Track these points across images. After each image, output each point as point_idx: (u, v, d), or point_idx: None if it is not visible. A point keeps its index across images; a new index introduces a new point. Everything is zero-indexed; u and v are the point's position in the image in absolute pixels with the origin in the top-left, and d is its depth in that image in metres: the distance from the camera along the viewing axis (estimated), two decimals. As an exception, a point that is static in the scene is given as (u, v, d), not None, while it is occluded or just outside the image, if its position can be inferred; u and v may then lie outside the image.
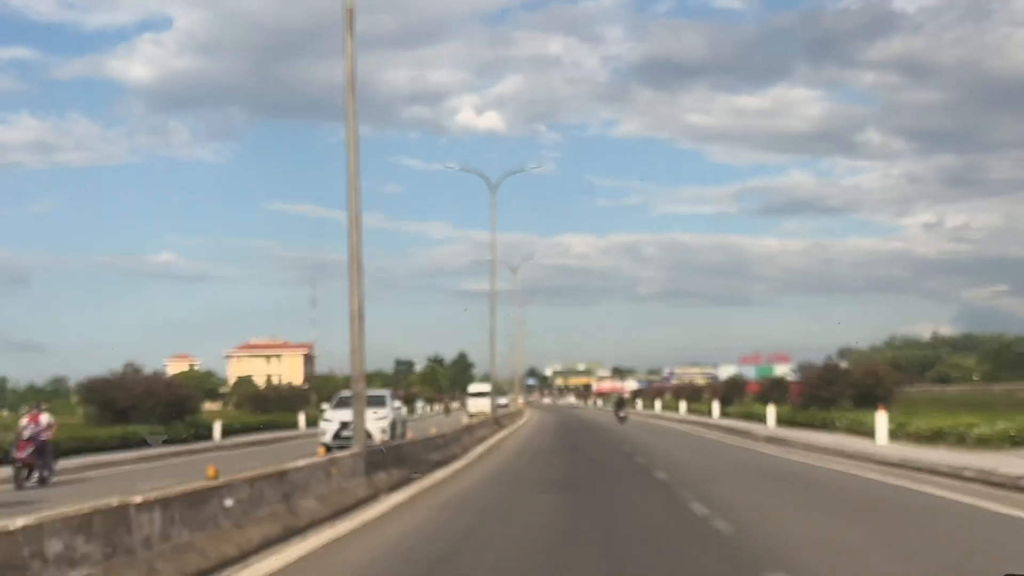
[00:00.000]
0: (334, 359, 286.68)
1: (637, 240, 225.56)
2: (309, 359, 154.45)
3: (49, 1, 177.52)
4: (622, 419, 49.10)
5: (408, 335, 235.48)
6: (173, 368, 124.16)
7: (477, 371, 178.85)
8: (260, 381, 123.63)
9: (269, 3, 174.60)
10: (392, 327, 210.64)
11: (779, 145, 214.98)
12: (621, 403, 54.04)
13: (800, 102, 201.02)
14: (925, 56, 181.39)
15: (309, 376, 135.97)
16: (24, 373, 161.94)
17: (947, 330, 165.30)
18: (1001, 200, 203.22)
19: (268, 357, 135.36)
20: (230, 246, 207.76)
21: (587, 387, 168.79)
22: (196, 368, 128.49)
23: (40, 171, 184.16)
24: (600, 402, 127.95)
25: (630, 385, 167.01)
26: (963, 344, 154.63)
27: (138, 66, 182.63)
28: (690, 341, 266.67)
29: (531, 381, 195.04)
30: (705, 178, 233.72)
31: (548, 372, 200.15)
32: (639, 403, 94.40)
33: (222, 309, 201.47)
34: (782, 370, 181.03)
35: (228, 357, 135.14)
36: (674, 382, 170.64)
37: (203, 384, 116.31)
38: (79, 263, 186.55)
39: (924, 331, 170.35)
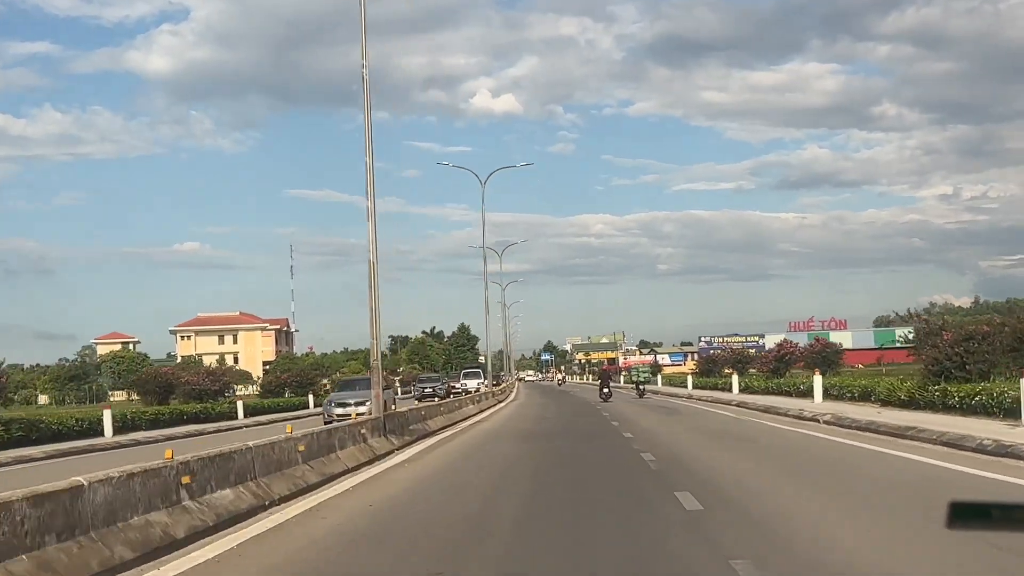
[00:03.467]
0: (315, 336, 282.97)
1: (655, 218, 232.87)
2: (286, 336, 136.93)
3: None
4: (605, 396, 43.62)
5: (424, 314, 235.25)
6: (103, 350, 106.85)
7: (482, 345, 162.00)
8: (210, 361, 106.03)
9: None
10: (409, 307, 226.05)
11: (795, 120, 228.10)
12: (606, 378, 47.51)
13: (815, 76, 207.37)
14: (939, 27, 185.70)
15: (286, 355, 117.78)
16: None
17: (975, 299, 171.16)
18: (1018, 170, 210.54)
19: (221, 335, 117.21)
20: (253, 234, 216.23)
21: (612, 361, 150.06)
22: (132, 348, 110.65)
23: (64, 164, 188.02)
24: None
25: (663, 360, 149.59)
26: (1006, 311, 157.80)
27: (157, 58, 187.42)
28: (713, 316, 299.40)
29: (546, 356, 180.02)
30: (722, 155, 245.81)
31: (567, 347, 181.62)
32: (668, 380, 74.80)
33: (244, 295, 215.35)
34: (840, 338, 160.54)
35: (176, 334, 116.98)
36: (712, 353, 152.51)
37: (133, 368, 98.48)
38: (104, 254, 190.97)
39: (940, 300, 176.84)
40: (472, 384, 60.95)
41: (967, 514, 2.34)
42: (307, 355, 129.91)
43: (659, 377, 68.69)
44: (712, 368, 60.68)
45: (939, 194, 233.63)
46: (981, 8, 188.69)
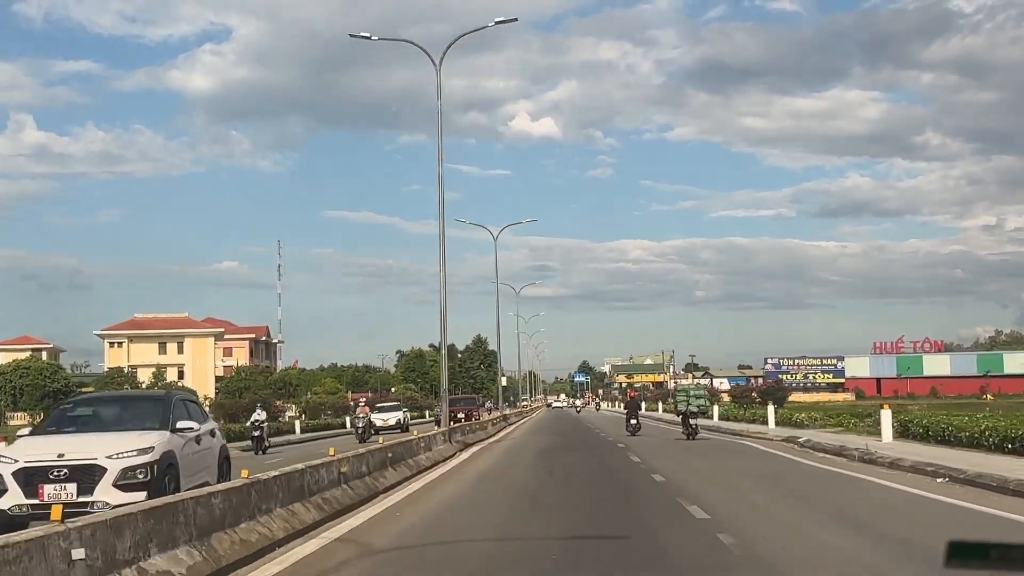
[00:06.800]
0: (330, 353, 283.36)
1: (693, 244, 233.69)
2: (265, 347, 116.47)
3: (110, 15, 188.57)
4: (633, 429, 36.63)
5: (453, 337, 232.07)
6: (5, 358, 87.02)
7: (504, 364, 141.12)
8: (147, 375, 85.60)
9: (325, 13, 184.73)
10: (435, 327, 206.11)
11: (836, 148, 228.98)
12: (634, 407, 39.10)
13: (857, 104, 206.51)
14: (984, 56, 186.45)
15: (241, 368, 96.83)
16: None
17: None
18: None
19: (163, 341, 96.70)
20: (291, 254, 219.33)
21: (658, 385, 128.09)
22: (44, 357, 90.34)
23: (106, 181, 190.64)
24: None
25: (720, 384, 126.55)
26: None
27: (198, 77, 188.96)
28: (750, 344, 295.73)
29: (580, 378, 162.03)
30: (762, 181, 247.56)
31: (606, 368, 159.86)
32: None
33: (276, 316, 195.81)
34: (936, 362, 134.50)
35: (103, 339, 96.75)
36: (781, 377, 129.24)
37: (39, 381, 78.36)
38: (142, 271, 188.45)
39: (986, 332, 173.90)
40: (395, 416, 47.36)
41: (965, 553, 2.32)
42: (288, 370, 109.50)
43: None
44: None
45: (982, 225, 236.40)
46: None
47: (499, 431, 44.11)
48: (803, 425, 34.25)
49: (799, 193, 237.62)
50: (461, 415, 46.18)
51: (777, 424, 35.43)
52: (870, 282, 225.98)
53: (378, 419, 45.09)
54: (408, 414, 49.06)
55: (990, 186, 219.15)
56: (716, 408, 48.11)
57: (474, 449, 28.88)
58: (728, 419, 45.63)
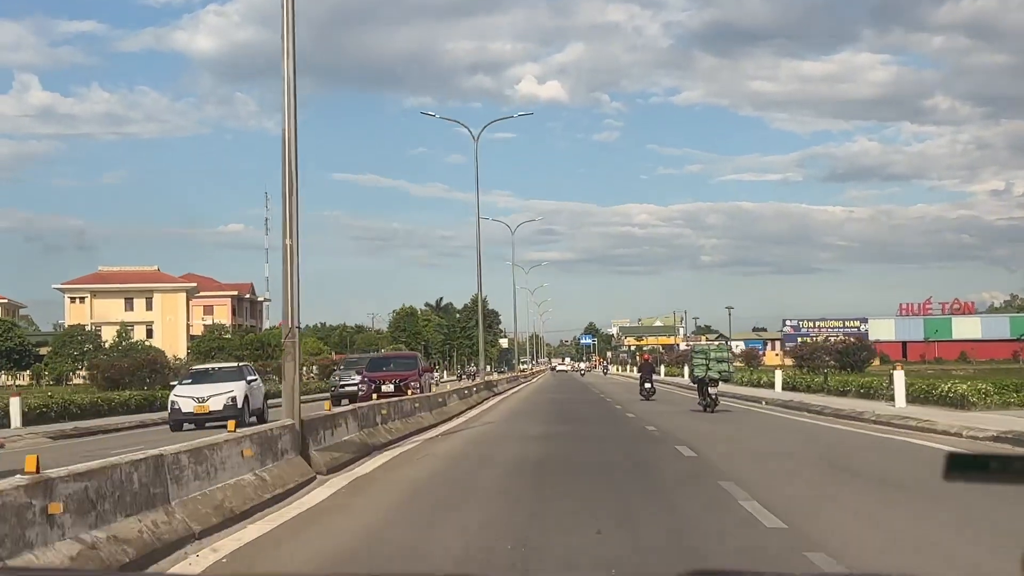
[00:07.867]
0: (305, 313, 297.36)
1: (700, 208, 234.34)
2: (250, 305, 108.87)
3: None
4: (647, 393, 36.37)
5: (453, 298, 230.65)
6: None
7: (506, 324, 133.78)
8: (110, 333, 78.07)
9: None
10: (440, 290, 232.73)
11: (844, 112, 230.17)
12: (647, 371, 38.35)
13: (866, 67, 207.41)
14: (995, 18, 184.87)
15: (214, 327, 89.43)
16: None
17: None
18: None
19: (130, 297, 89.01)
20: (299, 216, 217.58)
21: (670, 348, 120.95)
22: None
23: (111, 142, 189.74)
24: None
25: (739, 346, 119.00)
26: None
27: (203, 38, 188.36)
28: (757, 308, 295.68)
29: (586, 340, 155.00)
30: (768, 146, 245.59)
31: (613, 331, 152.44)
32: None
33: (264, 273, 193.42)
34: (966, 325, 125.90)
35: (64, 294, 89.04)
36: (801, 340, 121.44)
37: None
38: (148, 233, 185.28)
39: (993, 297, 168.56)
40: None
41: (964, 465, 2.30)
42: (272, 329, 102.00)
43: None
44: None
45: (990, 189, 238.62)
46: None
47: (470, 408, 32.37)
48: (965, 403, 22.94)
49: (806, 157, 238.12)
50: (388, 386, 30.64)
51: (908, 401, 23.86)
52: (877, 247, 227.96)
53: (184, 397, 25.36)
54: (263, 387, 28.80)
55: (999, 151, 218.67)
56: (778, 375, 39.39)
57: (377, 461, 14.92)
58: (797, 389, 36.12)
